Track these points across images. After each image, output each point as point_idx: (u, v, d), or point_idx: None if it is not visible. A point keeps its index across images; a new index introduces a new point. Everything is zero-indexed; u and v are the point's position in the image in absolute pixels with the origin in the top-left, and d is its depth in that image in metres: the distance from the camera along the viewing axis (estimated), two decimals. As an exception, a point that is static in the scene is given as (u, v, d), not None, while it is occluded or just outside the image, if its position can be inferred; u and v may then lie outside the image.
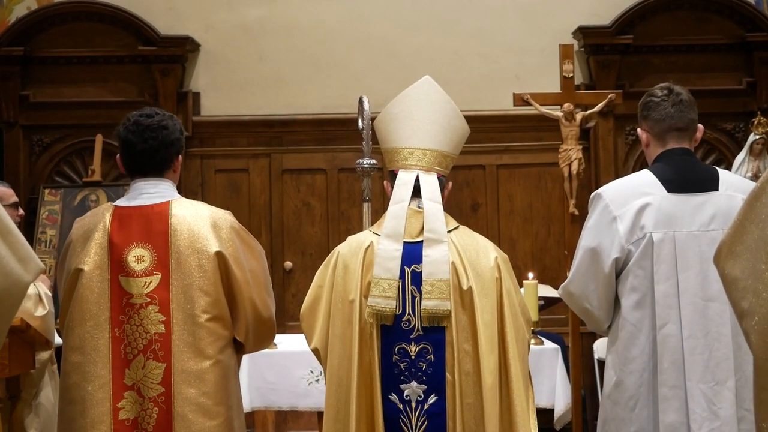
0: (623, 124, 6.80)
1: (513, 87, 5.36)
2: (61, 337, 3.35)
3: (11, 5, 7.00)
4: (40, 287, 4.22)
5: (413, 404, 3.03)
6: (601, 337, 5.94)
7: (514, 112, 6.24)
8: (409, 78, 3.26)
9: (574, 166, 5.04)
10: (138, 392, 3.15)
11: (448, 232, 3.11)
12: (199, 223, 3.23)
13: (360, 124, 5.07)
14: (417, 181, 3.14)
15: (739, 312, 1.89)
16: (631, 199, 3.30)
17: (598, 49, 6.80)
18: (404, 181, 3.14)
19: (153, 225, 3.21)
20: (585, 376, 5.87)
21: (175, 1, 6.96)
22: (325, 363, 3.12)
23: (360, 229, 4.23)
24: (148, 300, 3.16)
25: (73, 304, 3.19)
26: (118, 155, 3.40)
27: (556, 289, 5.71)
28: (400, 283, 3.05)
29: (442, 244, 3.07)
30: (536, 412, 3.19)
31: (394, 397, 3.04)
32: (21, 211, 4.96)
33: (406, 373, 3.04)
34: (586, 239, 3.37)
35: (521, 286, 4.65)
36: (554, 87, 5.29)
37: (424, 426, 3.03)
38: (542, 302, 5.43)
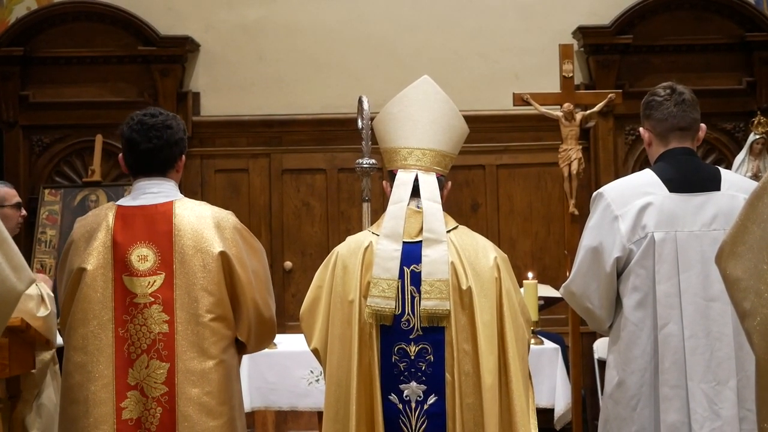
0: (623, 123, 6.81)
1: (513, 87, 5.36)
2: (62, 336, 3.35)
3: (11, 5, 7.00)
4: (43, 288, 4.22)
5: (413, 404, 3.03)
6: (601, 336, 5.95)
7: (513, 112, 6.24)
8: (409, 78, 3.25)
9: (574, 166, 5.04)
10: (141, 392, 3.14)
11: (448, 232, 3.11)
12: (203, 223, 3.23)
13: (360, 123, 5.07)
14: (416, 181, 3.13)
15: (741, 312, 1.89)
16: (633, 198, 3.29)
17: (598, 48, 6.80)
18: (403, 181, 3.14)
19: (157, 225, 3.21)
20: (585, 376, 5.87)
21: (175, 2, 6.96)
22: (325, 363, 3.12)
23: (360, 229, 4.22)
24: (152, 300, 3.16)
25: (75, 304, 3.18)
26: (120, 155, 3.39)
27: (556, 289, 5.73)
28: (400, 284, 3.04)
29: (442, 244, 3.06)
30: (536, 412, 3.18)
31: (393, 397, 3.03)
32: (24, 212, 4.97)
33: (406, 373, 3.03)
34: (588, 238, 3.36)
35: (521, 286, 4.65)
36: (554, 87, 5.29)
37: (423, 426, 3.02)
38: (542, 302, 5.43)
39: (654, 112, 3.39)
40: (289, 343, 5.14)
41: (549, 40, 6.37)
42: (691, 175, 3.31)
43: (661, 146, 3.39)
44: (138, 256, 3.18)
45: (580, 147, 5.09)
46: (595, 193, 3.42)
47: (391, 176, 3.19)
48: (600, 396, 5.82)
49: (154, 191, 3.28)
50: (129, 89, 6.87)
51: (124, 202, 3.31)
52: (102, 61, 6.88)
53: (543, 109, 5.07)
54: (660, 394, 3.20)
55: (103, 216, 3.25)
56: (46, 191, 6.63)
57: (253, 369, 5.01)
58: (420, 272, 3.05)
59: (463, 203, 6.84)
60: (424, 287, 3.02)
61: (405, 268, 3.06)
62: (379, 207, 3.37)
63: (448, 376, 3.02)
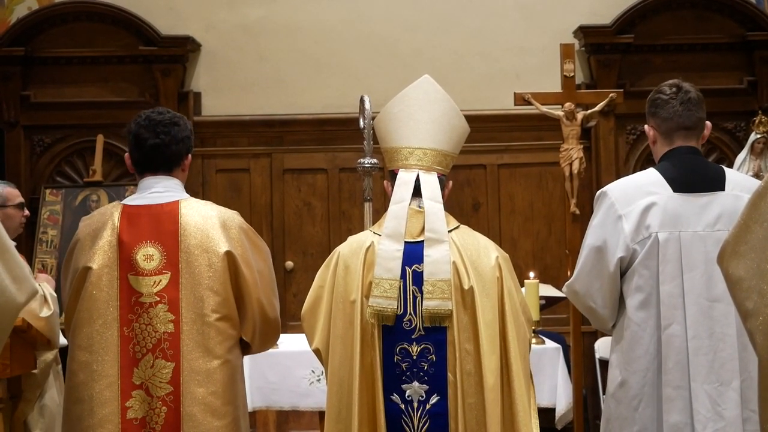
0: (624, 123, 6.81)
1: (514, 86, 5.36)
2: (65, 336, 3.34)
3: (12, 5, 7.00)
4: (45, 288, 4.22)
5: (415, 404, 3.03)
6: (602, 336, 5.95)
7: (514, 112, 6.23)
8: (410, 77, 3.25)
9: (575, 166, 5.04)
10: (146, 391, 3.13)
11: (449, 231, 3.10)
12: (209, 222, 3.23)
13: (361, 123, 5.06)
14: (417, 180, 3.12)
15: (744, 312, 1.89)
16: (637, 198, 3.28)
17: (599, 48, 6.80)
18: (404, 180, 3.13)
19: (163, 224, 3.20)
20: (586, 376, 5.86)
21: (176, 1, 6.96)
22: (327, 363, 3.11)
23: (361, 228, 4.22)
24: (158, 299, 3.15)
25: (80, 303, 3.17)
26: (126, 154, 3.38)
27: (557, 288, 5.74)
28: (402, 283, 3.04)
29: (443, 243, 3.06)
30: (537, 411, 3.19)
31: (396, 397, 3.03)
32: (26, 212, 4.97)
33: (408, 373, 3.03)
34: (591, 238, 3.35)
35: (522, 285, 4.64)
36: (555, 86, 5.29)
37: (426, 426, 3.02)
38: (543, 302, 5.42)
39: (659, 110, 3.37)
40: (290, 342, 5.14)
41: (550, 40, 6.37)
42: (695, 175, 3.30)
43: (665, 145, 3.38)
44: (144, 255, 3.18)
45: (581, 146, 5.08)
46: (598, 192, 3.41)
47: (392, 176, 3.19)
48: (601, 396, 5.82)
49: (160, 190, 3.27)
50: (130, 89, 6.87)
51: (130, 201, 3.30)
52: (103, 61, 6.88)
53: (544, 108, 5.07)
54: (663, 394, 3.20)
55: (109, 215, 3.24)
56: (48, 191, 6.62)
57: (254, 369, 5.00)
58: (422, 272, 3.04)
59: (465, 203, 6.84)
60: (426, 287, 3.02)
61: (407, 268, 3.05)
62: (381, 207, 3.37)
63: (450, 375, 3.02)
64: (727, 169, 3.39)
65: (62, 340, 4.46)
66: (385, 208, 3.17)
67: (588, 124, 6.04)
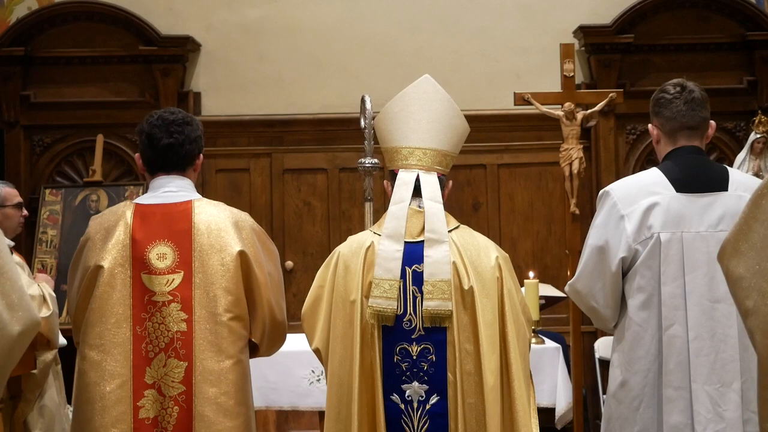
0: (624, 123, 6.81)
1: (514, 86, 5.36)
2: (75, 335, 3.32)
3: (12, 5, 6.99)
4: (45, 288, 4.21)
5: (415, 404, 3.02)
6: (602, 336, 5.95)
7: (514, 112, 6.23)
8: (410, 77, 3.24)
9: (575, 166, 5.03)
10: (159, 391, 3.12)
11: (449, 231, 3.10)
12: (222, 222, 3.23)
13: (362, 123, 5.06)
14: (417, 180, 3.12)
15: (744, 311, 1.88)
16: (639, 198, 3.27)
17: (599, 48, 6.79)
18: (404, 180, 3.13)
19: (176, 223, 3.20)
20: (586, 376, 5.86)
21: (176, 2, 6.96)
22: (327, 363, 3.11)
23: (361, 228, 4.22)
24: (171, 298, 3.14)
25: (92, 301, 3.15)
26: (137, 154, 3.37)
27: (557, 288, 5.74)
28: (402, 284, 3.03)
29: (443, 244, 3.05)
30: (537, 411, 3.19)
31: (395, 397, 3.03)
32: (25, 212, 4.96)
33: (408, 373, 3.03)
34: (594, 237, 3.34)
35: (522, 285, 4.64)
36: (555, 86, 5.28)
37: (426, 426, 3.02)
38: (543, 301, 5.42)
39: (663, 109, 3.36)
40: (290, 342, 5.10)
41: (550, 40, 6.37)
42: (698, 175, 3.29)
43: (669, 144, 3.37)
44: (157, 254, 3.17)
45: (581, 146, 5.08)
46: (601, 192, 3.41)
47: (392, 176, 3.18)
48: (601, 395, 5.81)
49: (173, 189, 3.27)
50: (130, 89, 6.87)
51: (142, 200, 3.29)
52: (103, 61, 6.87)
53: (544, 108, 5.06)
54: (663, 395, 3.19)
55: (121, 214, 3.24)
56: (47, 191, 6.62)
57: (254, 368, 4.90)
58: (422, 272, 3.04)
59: (465, 203, 6.84)
60: (426, 287, 3.02)
61: (407, 268, 3.05)
62: (381, 206, 3.36)
63: (450, 376, 3.01)
64: (730, 169, 3.38)
65: (61, 340, 4.47)
66: (385, 208, 3.16)
67: (588, 124, 6.04)
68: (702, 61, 6.77)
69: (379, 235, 3.10)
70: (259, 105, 6.97)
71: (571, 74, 5.13)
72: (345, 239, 3.25)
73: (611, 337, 3.50)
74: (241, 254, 3.18)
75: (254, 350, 3.35)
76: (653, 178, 3.32)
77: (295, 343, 4.95)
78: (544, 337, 5.25)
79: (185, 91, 6.94)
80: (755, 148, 6.21)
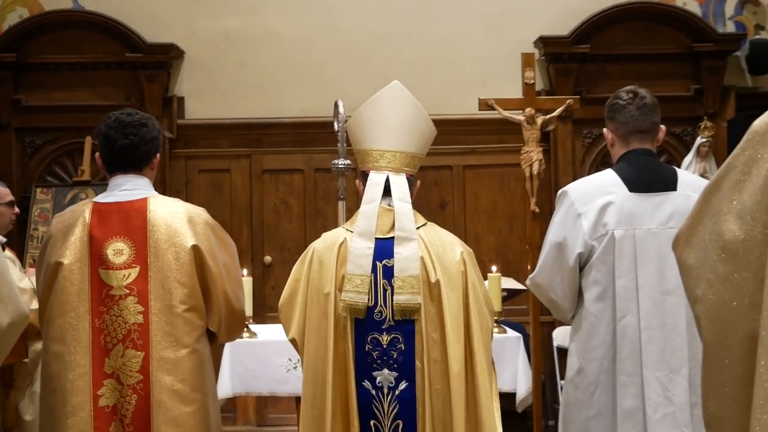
0: (581, 127, 6.83)
1: (478, 92, 5.35)
2: (40, 328, 3.29)
3: (3, 14, 6.94)
4: (33, 279, 4.18)
5: (385, 390, 3.02)
6: (560, 326, 5.97)
7: (479, 116, 6.22)
8: (382, 84, 3.23)
9: (535, 167, 5.04)
10: (117, 380, 3.10)
11: (417, 228, 3.10)
12: (176, 218, 3.19)
13: (336, 126, 5.05)
14: (387, 181, 3.12)
15: (693, 298, 1.90)
16: (595, 197, 3.28)
17: (558, 57, 6.81)
18: (375, 182, 3.13)
19: (131, 220, 3.16)
20: (545, 363, 5.88)
21: (160, 10, 6.91)
22: (302, 352, 3.10)
23: (335, 225, 4.21)
24: (127, 291, 3.12)
25: (53, 296, 3.13)
26: (97, 153, 3.33)
27: (519, 281, 5.75)
28: (372, 278, 3.03)
29: (412, 241, 3.06)
30: (499, 396, 3.19)
31: (367, 384, 3.02)
32: (17, 210, 4.91)
33: (379, 361, 3.03)
34: (553, 234, 3.35)
35: (485, 278, 4.64)
36: (517, 93, 5.29)
37: (395, 411, 3.02)
38: (505, 293, 5.43)
39: (617, 114, 3.38)
40: (268, 332, 5.13)
41: (512, 50, 6.37)
42: (649, 176, 3.30)
43: (622, 147, 3.39)
44: (114, 250, 3.14)
45: (541, 149, 5.09)
46: (560, 191, 3.41)
47: (364, 176, 3.18)
48: (559, 381, 5.84)
49: (129, 188, 3.23)
50: (117, 94, 6.81)
51: (101, 198, 3.25)
52: (91, 67, 6.81)
53: (506, 113, 5.07)
54: (617, 381, 3.21)
55: (80, 212, 3.20)
56: (38, 190, 6.58)
57: (234, 357, 4.99)
58: (392, 267, 3.04)
59: (432, 201, 6.84)
60: (396, 282, 3.02)
61: (378, 263, 3.05)
62: (353, 205, 3.36)
63: (418, 363, 3.02)
64: (679, 171, 3.40)
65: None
66: (358, 206, 3.16)
67: (547, 128, 6.05)
68: (652, 70, 6.80)
69: (352, 231, 3.10)
70: (239, 109, 6.94)
71: (532, 82, 5.14)
72: (320, 236, 3.24)
73: (569, 327, 3.51)
74: (195, 248, 3.16)
75: (213, 338, 3.32)
76: (608, 178, 3.34)
77: (273, 333, 4.96)
78: (505, 327, 5.26)
79: (169, 96, 6.89)
80: (701, 151, 6.26)
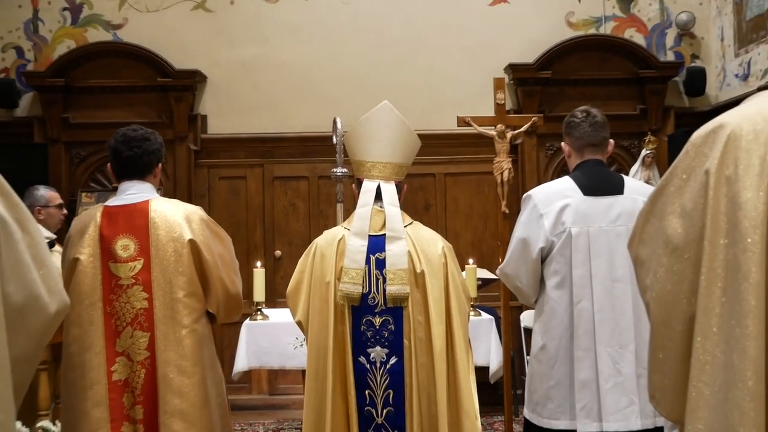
0: (544, 141, 6.84)
1: (457, 111, 5.33)
2: None
3: (54, 45, 6.92)
4: None
5: (378, 364, 3.01)
6: (526, 309, 5.96)
7: (457, 132, 6.21)
8: (374, 104, 3.21)
9: (505, 175, 5.02)
10: (128, 357, 3.09)
11: (405, 227, 3.09)
12: (174, 216, 3.18)
13: (334, 140, 5.04)
14: (378, 188, 3.12)
15: (643, 287, 1.89)
16: (555, 200, 3.27)
17: (524, 81, 6.82)
18: (368, 188, 3.12)
19: (136, 219, 3.15)
20: (514, 341, 5.87)
21: (187, 42, 6.90)
22: (307, 332, 3.10)
23: (335, 224, 4.19)
24: (134, 281, 3.11)
25: (72, 287, 3.11)
26: (108, 164, 3.33)
27: (491, 272, 5.74)
28: (367, 269, 3.03)
29: (401, 240, 3.05)
30: (475, 369, 3.18)
31: (362, 359, 3.01)
32: (65, 211, 4.90)
33: (372, 339, 3.02)
34: (519, 231, 3.34)
35: (463, 269, 4.64)
36: (489, 111, 5.27)
37: (386, 382, 3.01)
38: (480, 282, 5.42)
39: (572, 130, 3.37)
40: (278, 315, 5.12)
41: (486, 75, 6.36)
42: (601, 182, 3.29)
43: (578, 158, 3.38)
44: (121, 245, 3.13)
45: (510, 159, 5.07)
46: (525, 195, 3.40)
47: (359, 183, 3.18)
48: (525, 357, 5.83)
49: (134, 192, 3.22)
50: (149, 112, 6.79)
51: (110, 202, 3.24)
52: (128, 90, 6.80)
53: (481, 129, 5.05)
54: (574, 355, 3.20)
55: (93, 215, 3.20)
56: (83, 194, 6.57)
57: (249, 336, 4.99)
58: (383, 259, 3.04)
59: (418, 204, 6.83)
60: (388, 275, 3.01)
61: (371, 256, 3.04)
62: (350, 207, 3.34)
63: (405, 341, 3.01)
64: (625, 177, 3.39)
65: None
66: (354, 208, 3.15)
67: (515, 141, 6.04)
68: (604, 93, 6.82)
69: (349, 230, 3.09)
70: (254, 125, 6.93)
71: (502, 102, 5.12)
72: (322, 233, 3.23)
73: (533, 311, 3.50)
74: (191, 242, 3.14)
75: (214, 319, 3.31)
76: (566, 184, 3.33)
77: (282, 316, 4.95)
78: (480, 311, 5.25)
79: (194, 114, 6.88)
80: (646, 161, 6.26)
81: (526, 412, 3.36)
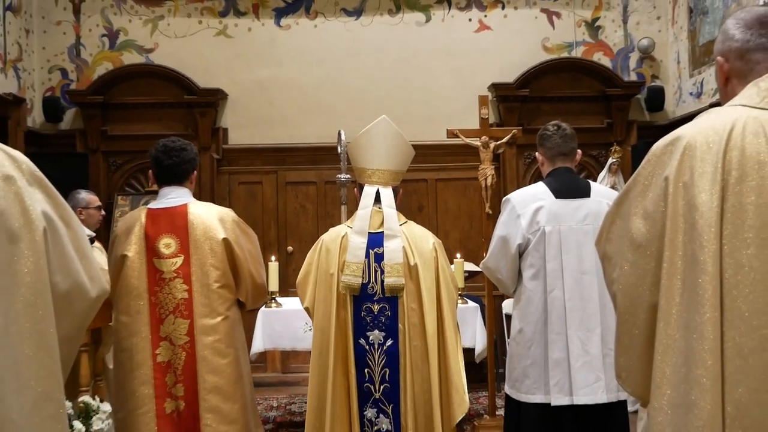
0: (523, 151, 6.82)
1: (446, 124, 5.32)
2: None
3: (94, 67, 6.91)
4: None
5: (376, 346, 3.02)
6: (506, 298, 5.95)
7: (447, 143, 6.21)
8: (374, 118, 3.21)
9: (489, 180, 5.02)
10: (170, 341, 3.09)
11: (400, 225, 3.09)
12: (210, 218, 3.18)
13: (339, 149, 5.02)
14: (377, 192, 3.12)
15: (610, 280, 1.89)
16: (530, 202, 3.27)
17: (505, 98, 6.81)
18: (368, 192, 3.12)
19: (176, 221, 3.15)
20: (496, 326, 5.86)
21: (210, 63, 6.89)
22: (313, 317, 3.10)
23: (340, 223, 4.18)
24: (175, 275, 3.11)
25: (120, 281, 3.12)
26: (150, 170, 3.33)
27: (476, 265, 5.72)
28: (366, 263, 3.04)
29: (397, 237, 3.06)
30: (462, 350, 3.17)
31: (362, 341, 3.01)
32: (103, 212, 4.88)
33: (371, 324, 3.02)
34: (499, 230, 3.34)
35: (452, 263, 4.63)
36: (475, 125, 5.28)
37: (383, 362, 3.01)
38: (467, 274, 5.41)
39: (545, 142, 3.37)
40: (290, 303, 5.11)
41: (472, 93, 6.36)
42: (570, 187, 3.29)
43: (550, 166, 3.37)
44: (164, 244, 3.13)
45: (493, 167, 5.06)
46: (504, 198, 3.40)
47: (360, 187, 3.18)
48: (506, 339, 5.82)
49: (174, 196, 3.22)
50: (177, 126, 6.77)
51: (153, 205, 3.24)
52: (158, 106, 6.78)
53: (467, 140, 5.05)
54: (548, 338, 3.19)
55: (137, 216, 3.20)
56: (119, 197, 6.55)
57: (265, 321, 4.98)
58: (381, 254, 3.04)
59: (412, 205, 6.83)
60: (386, 268, 3.02)
61: (371, 251, 3.05)
62: (353, 208, 3.33)
63: (400, 326, 3.01)
64: (592, 183, 3.39)
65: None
66: (356, 209, 3.15)
67: (497, 151, 6.01)
68: (576, 109, 6.81)
69: (351, 228, 3.09)
70: (268, 137, 6.91)
71: (486, 116, 5.12)
72: (327, 231, 3.22)
73: (513, 299, 3.49)
74: (225, 240, 3.14)
75: (243, 306, 3.31)
76: (540, 188, 3.32)
77: (294, 303, 4.94)
78: (467, 299, 5.24)
79: (216, 127, 6.86)
80: (612, 168, 6.24)
81: (507, 388, 3.35)
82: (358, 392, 2.99)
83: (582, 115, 6.76)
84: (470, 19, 6.98)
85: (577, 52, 6.99)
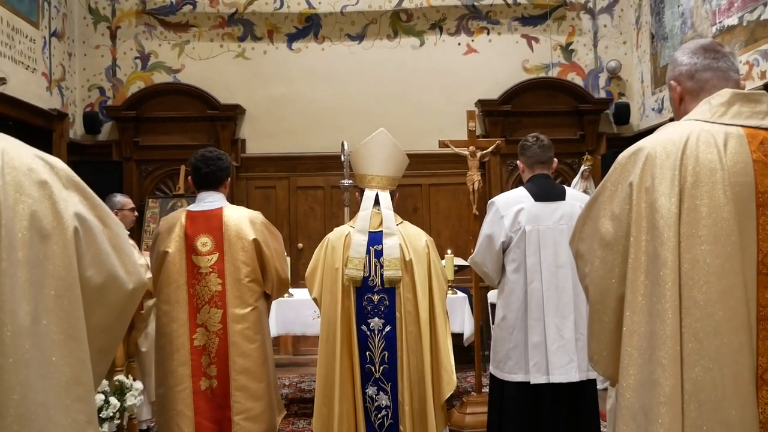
0: (506, 159, 6.82)
1: (438, 136, 5.33)
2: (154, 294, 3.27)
3: (128, 85, 6.91)
4: (147, 259, 4.13)
5: (376, 332, 3.02)
6: (492, 289, 5.95)
7: (439, 152, 6.17)
8: (374, 130, 3.22)
9: (476, 185, 5.01)
10: (205, 328, 3.09)
11: (397, 225, 3.10)
12: (242, 220, 3.17)
13: (342, 158, 5.01)
14: (377, 196, 3.12)
15: (582, 275, 1.89)
16: (513, 205, 3.27)
17: (490, 113, 6.81)
18: (368, 196, 3.12)
19: (212, 222, 3.15)
20: (482, 313, 5.85)
21: (230, 82, 6.89)
22: (321, 307, 3.10)
23: (344, 223, 4.18)
24: (211, 270, 3.10)
25: (162, 274, 3.13)
26: (189, 177, 3.33)
27: (465, 260, 5.72)
28: (367, 258, 3.04)
29: (395, 235, 3.06)
30: (451, 335, 3.18)
31: (364, 327, 3.01)
32: (136, 213, 4.87)
33: (371, 312, 3.02)
34: (485, 229, 3.34)
35: (443, 258, 4.63)
36: (463, 136, 5.27)
37: (383, 345, 3.01)
38: (456, 268, 5.39)
39: (526, 151, 3.37)
40: (301, 294, 5.10)
41: (461, 108, 6.37)
42: (547, 191, 3.29)
43: (530, 172, 3.38)
44: (201, 242, 3.12)
45: (480, 173, 5.06)
46: (489, 201, 3.40)
47: (361, 192, 3.18)
48: (491, 325, 5.81)
49: (210, 200, 3.22)
50: (201, 137, 6.78)
51: (191, 208, 3.24)
52: (184, 120, 6.79)
53: (457, 150, 5.04)
54: (528, 324, 3.20)
55: (178, 217, 3.20)
56: (150, 200, 6.53)
57: (278, 309, 4.98)
58: (380, 250, 3.04)
59: (408, 207, 6.82)
60: (384, 262, 3.02)
61: (371, 248, 3.06)
62: (355, 210, 3.33)
63: (397, 313, 3.01)
64: (566, 188, 3.39)
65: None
66: (357, 211, 3.15)
67: (483, 159, 6.01)
68: (552, 122, 6.81)
69: (353, 228, 3.09)
70: (281, 147, 6.91)
71: (474, 129, 5.11)
72: (333, 230, 3.22)
73: (497, 290, 3.50)
74: (255, 241, 3.14)
75: (269, 297, 3.31)
76: (521, 193, 3.32)
77: (304, 294, 4.93)
78: (456, 290, 5.23)
79: (235, 139, 6.86)
80: (584, 175, 6.24)
81: (492, 368, 3.35)
82: (361, 372, 2.99)
83: (557, 127, 6.76)
84: (459, 43, 6.98)
85: (553, 73, 6.99)
